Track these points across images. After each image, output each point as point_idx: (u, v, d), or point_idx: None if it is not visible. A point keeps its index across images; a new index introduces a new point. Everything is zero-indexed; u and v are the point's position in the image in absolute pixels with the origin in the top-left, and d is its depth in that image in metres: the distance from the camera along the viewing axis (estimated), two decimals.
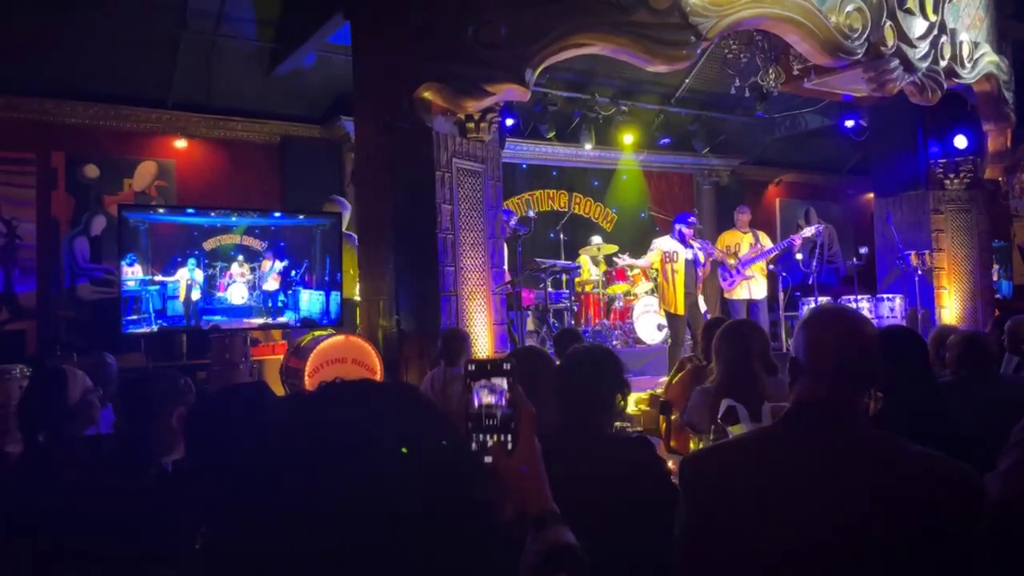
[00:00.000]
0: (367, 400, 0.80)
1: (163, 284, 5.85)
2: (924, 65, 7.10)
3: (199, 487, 1.71)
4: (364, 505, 0.71)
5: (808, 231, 8.28)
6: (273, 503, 0.72)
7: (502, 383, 1.18)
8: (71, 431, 2.56)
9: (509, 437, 1.16)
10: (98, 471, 2.28)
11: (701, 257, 7.55)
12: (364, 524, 0.71)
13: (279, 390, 5.51)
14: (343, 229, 6.71)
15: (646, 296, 8.87)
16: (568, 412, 2.29)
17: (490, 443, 1.16)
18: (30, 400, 2.62)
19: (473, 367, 1.19)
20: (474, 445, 1.17)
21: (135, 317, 5.78)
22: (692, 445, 3.17)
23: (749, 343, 3.11)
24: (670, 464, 2.49)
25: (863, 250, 8.85)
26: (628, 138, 10.37)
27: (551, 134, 9.79)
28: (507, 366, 1.18)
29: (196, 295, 5.95)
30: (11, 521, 2.14)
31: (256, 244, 6.21)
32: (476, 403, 1.17)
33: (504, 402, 1.17)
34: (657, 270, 7.64)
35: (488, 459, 1.15)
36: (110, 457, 2.34)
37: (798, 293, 9.32)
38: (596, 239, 9.68)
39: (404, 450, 0.76)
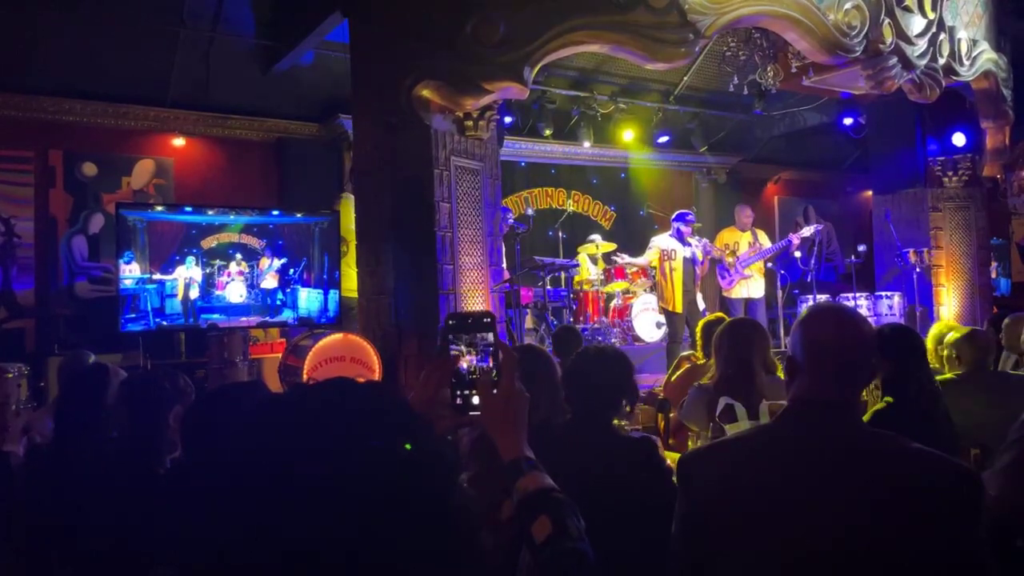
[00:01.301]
0: (348, 403, 0.81)
1: (161, 282, 5.85)
2: (923, 63, 7.10)
3: (195, 485, 1.72)
4: (344, 503, 0.73)
5: (806, 231, 8.28)
6: (261, 501, 0.73)
7: (483, 337, 1.19)
8: (106, 431, 2.55)
9: (493, 390, 1.17)
10: (109, 470, 2.29)
11: (699, 255, 7.56)
12: (344, 521, 0.72)
13: (277, 388, 5.50)
14: None
15: (645, 294, 8.87)
16: (578, 411, 2.31)
17: (473, 399, 1.17)
18: (73, 395, 2.61)
19: (453, 322, 1.20)
20: (458, 400, 1.19)
21: (133, 315, 5.77)
22: (690, 443, 3.17)
23: (750, 342, 3.11)
24: (668, 462, 2.49)
25: (861, 248, 8.84)
26: (627, 136, 10.36)
27: (548, 132, 9.78)
28: (488, 320, 1.19)
29: (194, 293, 5.94)
30: (25, 512, 2.14)
31: (254, 242, 6.20)
32: (459, 361, 1.19)
33: (481, 357, 1.18)
34: (656, 268, 7.65)
35: (474, 413, 1.17)
36: (119, 456, 2.35)
37: (797, 291, 9.32)
38: (595, 237, 9.67)
39: (408, 446, 0.77)
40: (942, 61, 7.31)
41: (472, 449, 2.02)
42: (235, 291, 6.09)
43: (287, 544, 0.72)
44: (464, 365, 1.19)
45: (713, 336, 3.33)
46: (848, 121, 9.65)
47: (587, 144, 10.16)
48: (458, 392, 1.19)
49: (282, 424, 0.78)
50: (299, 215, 6.62)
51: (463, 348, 1.19)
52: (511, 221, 7.64)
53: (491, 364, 1.18)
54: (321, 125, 8.87)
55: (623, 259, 8.61)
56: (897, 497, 1.40)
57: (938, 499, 1.39)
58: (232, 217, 6.20)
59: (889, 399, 2.71)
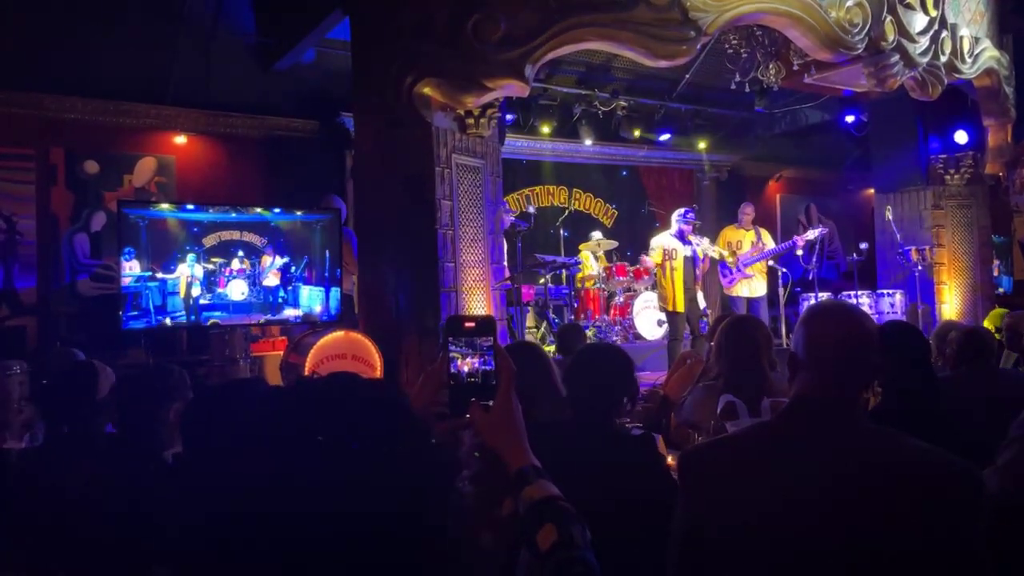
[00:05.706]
0: (349, 399, 0.81)
1: (163, 280, 5.85)
2: (924, 60, 7.08)
3: (195, 481, 1.72)
4: (344, 500, 0.73)
5: (811, 234, 8.25)
6: (261, 496, 0.73)
7: (482, 341, 1.18)
8: (96, 427, 2.55)
9: (488, 393, 1.17)
10: (103, 466, 2.29)
11: (700, 253, 7.54)
12: (344, 518, 0.72)
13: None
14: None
15: (646, 292, 8.87)
16: (581, 409, 2.30)
17: (470, 400, 1.17)
18: (59, 392, 2.61)
19: (451, 325, 1.19)
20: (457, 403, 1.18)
21: (135, 313, 5.77)
22: (691, 441, 3.17)
23: (753, 339, 3.11)
24: (669, 460, 2.49)
25: (863, 246, 8.83)
26: (628, 133, 10.35)
27: (546, 129, 9.77)
28: (487, 324, 1.18)
29: (196, 291, 5.95)
30: (19, 512, 2.14)
31: (256, 240, 6.20)
32: (455, 363, 1.18)
33: (482, 360, 1.18)
34: (658, 266, 7.64)
35: (467, 416, 1.17)
36: (113, 452, 2.35)
37: (799, 289, 9.31)
38: (596, 235, 9.67)
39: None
40: (944, 59, 7.29)
41: (473, 446, 2.02)
42: (237, 289, 6.09)
43: (287, 541, 0.72)
44: (466, 369, 1.18)
45: (716, 334, 3.33)
46: (850, 119, 9.64)
47: (588, 142, 10.15)
48: (456, 395, 1.18)
49: (283, 419, 0.78)
50: (300, 213, 6.62)
51: (463, 351, 1.18)
52: (512, 219, 7.64)
53: (492, 368, 1.17)
54: (322, 123, 8.86)
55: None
56: (898, 494, 1.39)
57: (939, 496, 1.39)
58: (234, 215, 6.19)
59: (890, 397, 2.70)
